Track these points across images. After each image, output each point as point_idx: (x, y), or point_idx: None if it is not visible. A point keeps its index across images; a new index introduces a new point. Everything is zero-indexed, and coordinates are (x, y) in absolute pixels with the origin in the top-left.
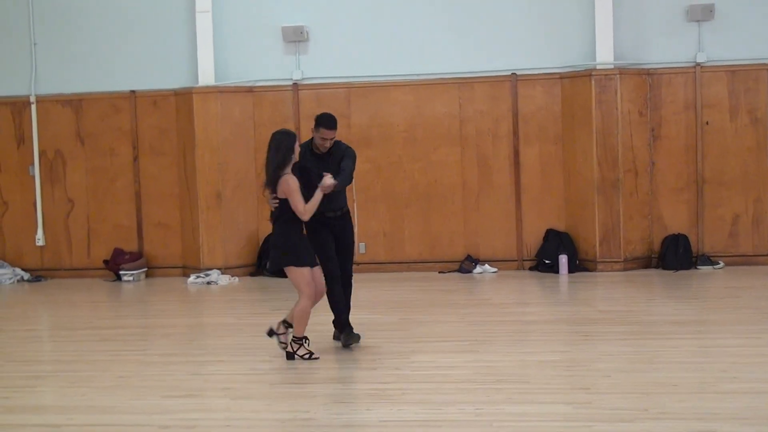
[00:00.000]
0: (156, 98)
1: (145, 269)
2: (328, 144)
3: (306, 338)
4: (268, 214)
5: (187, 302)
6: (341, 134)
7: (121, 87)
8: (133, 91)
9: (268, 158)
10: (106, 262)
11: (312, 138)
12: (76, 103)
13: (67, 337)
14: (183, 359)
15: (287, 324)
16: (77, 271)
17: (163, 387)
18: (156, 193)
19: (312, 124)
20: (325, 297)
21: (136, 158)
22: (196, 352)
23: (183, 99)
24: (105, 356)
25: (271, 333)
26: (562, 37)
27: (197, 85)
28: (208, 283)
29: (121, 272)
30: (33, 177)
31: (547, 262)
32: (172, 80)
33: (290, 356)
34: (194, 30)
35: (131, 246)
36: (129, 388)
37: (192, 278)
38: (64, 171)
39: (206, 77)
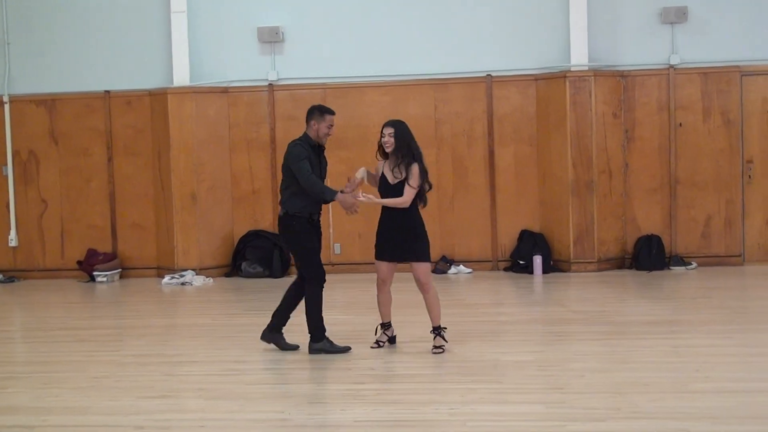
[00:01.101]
0: (130, 98)
1: (120, 270)
2: (333, 132)
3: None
4: (242, 215)
5: (162, 303)
6: None
7: (96, 87)
8: (107, 92)
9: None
10: (79, 262)
11: (305, 134)
12: (49, 103)
13: (41, 338)
14: (157, 360)
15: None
16: (51, 272)
17: (138, 388)
18: (130, 194)
19: (288, 123)
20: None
21: (110, 159)
22: (171, 352)
23: (158, 99)
24: (79, 357)
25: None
26: (537, 39)
27: (172, 86)
28: (183, 283)
29: (95, 273)
30: (6, 177)
31: (521, 262)
32: (147, 80)
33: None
34: (169, 30)
35: (105, 247)
36: (103, 389)
37: (166, 279)
38: (37, 171)
39: (181, 77)
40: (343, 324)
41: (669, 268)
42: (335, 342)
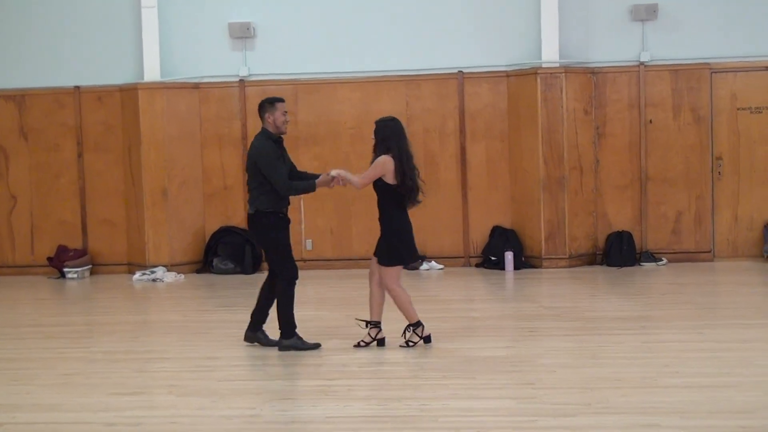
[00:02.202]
0: (101, 94)
1: (90, 266)
2: (288, 117)
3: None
4: (214, 211)
5: (133, 299)
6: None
7: (66, 82)
8: (77, 87)
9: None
10: (50, 259)
11: (263, 128)
12: (19, 98)
13: (11, 334)
14: (128, 356)
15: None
16: (20, 269)
17: (109, 384)
18: (101, 190)
19: (259, 119)
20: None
21: (80, 154)
22: (142, 349)
23: (128, 95)
24: (49, 354)
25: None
26: (509, 35)
27: (143, 81)
28: (154, 280)
29: (65, 269)
30: None
31: (493, 258)
32: (118, 76)
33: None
34: (140, 25)
35: (76, 243)
36: (74, 385)
37: (137, 275)
38: (6, 167)
39: (152, 73)
40: (314, 320)
41: (639, 264)
42: (306, 339)
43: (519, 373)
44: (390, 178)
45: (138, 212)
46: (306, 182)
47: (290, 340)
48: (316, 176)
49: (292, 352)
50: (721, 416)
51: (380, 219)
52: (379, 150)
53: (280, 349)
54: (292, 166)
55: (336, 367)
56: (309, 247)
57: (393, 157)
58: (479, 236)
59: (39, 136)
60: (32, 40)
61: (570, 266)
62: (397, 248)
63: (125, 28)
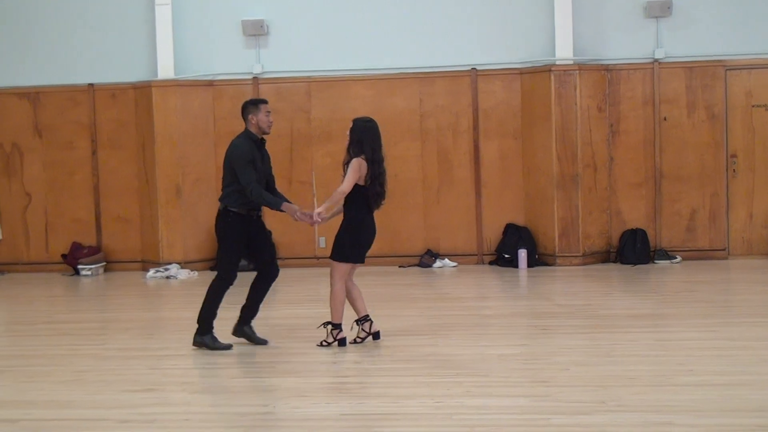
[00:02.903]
0: (115, 91)
1: (104, 263)
2: (272, 118)
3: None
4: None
5: (146, 296)
6: (302, 128)
7: (80, 80)
8: (91, 84)
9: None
10: (64, 256)
11: (246, 130)
12: (33, 96)
13: (25, 331)
14: (142, 354)
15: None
16: (35, 266)
17: (122, 381)
18: (115, 187)
19: (273, 117)
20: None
21: (94, 152)
22: (155, 346)
23: (142, 92)
24: (63, 351)
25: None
26: (522, 33)
27: (156, 79)
28: (168, 277)
29: (79, 266)
30: None
31: (506, 256)
32: (131, 73)
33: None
34: (154, 23)
35: (90, 240)
36: (87, 382)
37: (151, 272)
38: (21, 164)
39: (166, 71)
40: (327, 317)
41: (654, 262)
42: (215, 339)
43: (532, 371)
44: (362, 180)
45: (152, 209)
46: (273, 198)
47: (204, 336)
48: (286, 201)
49: (306, 349)
50: (735, 414)
51: (345, 216)
52: (353, 150)
53: (193, 344)
54: (270, 179)
55: (349, 365)
56: (322, 244)
57: (365, 159)
58: (493, 234)
59: (53, 133)
60: (46, 38)
61: (584, 264)
62: (353, 246)
63: (139, 26)
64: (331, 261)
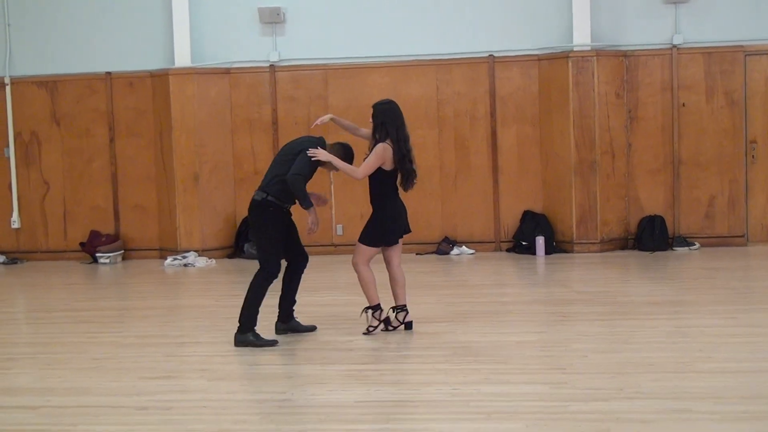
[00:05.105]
0: (132, 80)
1: (122, 251)
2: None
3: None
4: (245, 196)
5: (164, 284)
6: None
7: (97, 68)
8: (109, 73)
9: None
10: (82, 244)
11: (336, 145)
12: (51, 84)
13: (44, 319)
14: (160, 341)
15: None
16: (53, 254)
17: (140, 368)
18: (132, 175)
19: (290, 104)
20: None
21: (112, 140)
22: (173, 333)
23: (159, 80)
24: (82, 338)
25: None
26: (540, 19)
27: (174, 67)
28: (185, 265)
29: (97, 254)
30: (8, 159)
31: (524, 243)
32: (149, 61)
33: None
34: (170, 11)
35: (108, 228)
36: (106, 369)
37: (169, 260)
38: (39, 153)
39: (183, 59)
40: (346, 305)
41: (672, 249)
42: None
43: (550, 358)
44: (388, 165)
45: (169, 197)
46: (308, 197)
47: (245, 335)
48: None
49: (324, 336)
50: (754, 401)
51: (372, 202)
52: (379, 134)
53: (235, 344)
54: None
55: (367, 352)
56: (339, 232)
57: (391, 141)
58: (510, 221)
59: (71, 121)
60: (63, 26)
61: (602, 251)
62: (380, 230)
63: (156, 14)
64: (358, 245)
